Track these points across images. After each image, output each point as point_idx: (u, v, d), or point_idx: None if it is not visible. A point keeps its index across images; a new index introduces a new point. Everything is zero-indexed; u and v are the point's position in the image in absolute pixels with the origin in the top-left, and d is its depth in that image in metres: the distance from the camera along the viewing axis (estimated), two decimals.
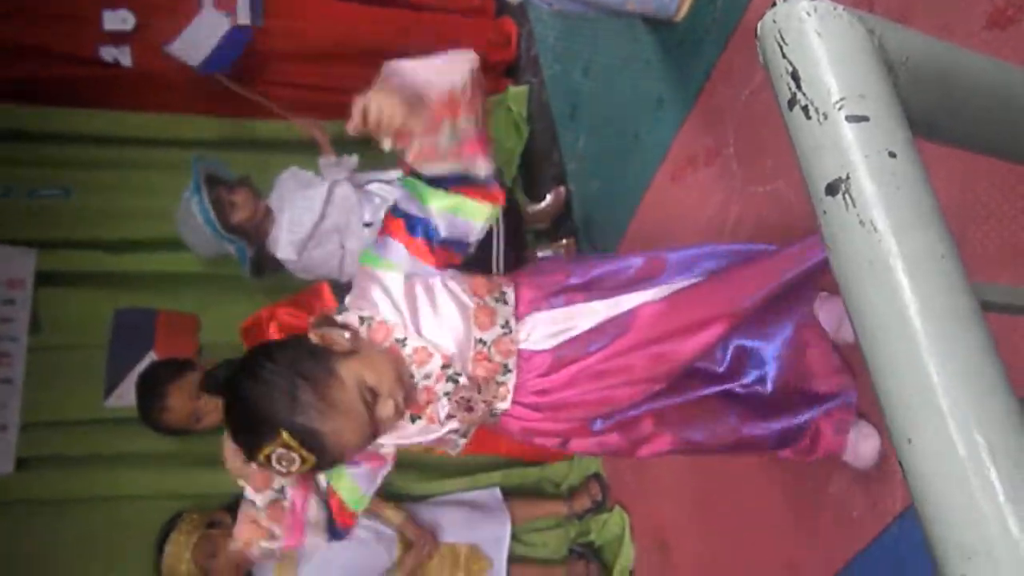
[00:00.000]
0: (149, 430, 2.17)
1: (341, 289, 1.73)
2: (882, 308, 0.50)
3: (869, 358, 0.51)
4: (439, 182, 1.21)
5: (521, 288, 1.33)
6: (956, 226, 1.37)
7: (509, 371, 1.26)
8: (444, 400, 1.23)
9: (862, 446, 1.57)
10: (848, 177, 0.52)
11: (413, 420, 1.24)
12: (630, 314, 1.30)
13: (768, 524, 1.98)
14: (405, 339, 1.20)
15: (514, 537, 2.49)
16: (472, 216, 1.23)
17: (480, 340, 1.24)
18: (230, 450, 1.48)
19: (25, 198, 2.48)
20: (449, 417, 1.25)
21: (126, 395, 2.33)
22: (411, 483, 2.53)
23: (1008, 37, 1.29)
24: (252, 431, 1.10)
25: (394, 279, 1.22)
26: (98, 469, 2.41)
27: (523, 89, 3.07)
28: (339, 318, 1.21)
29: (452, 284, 1.26)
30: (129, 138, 2.59)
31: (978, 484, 0.45)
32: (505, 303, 1.29)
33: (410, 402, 1.20)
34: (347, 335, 1.16)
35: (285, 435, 1.06)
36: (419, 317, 1.22)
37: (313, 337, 1.14)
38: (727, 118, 2.03)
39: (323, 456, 1.10)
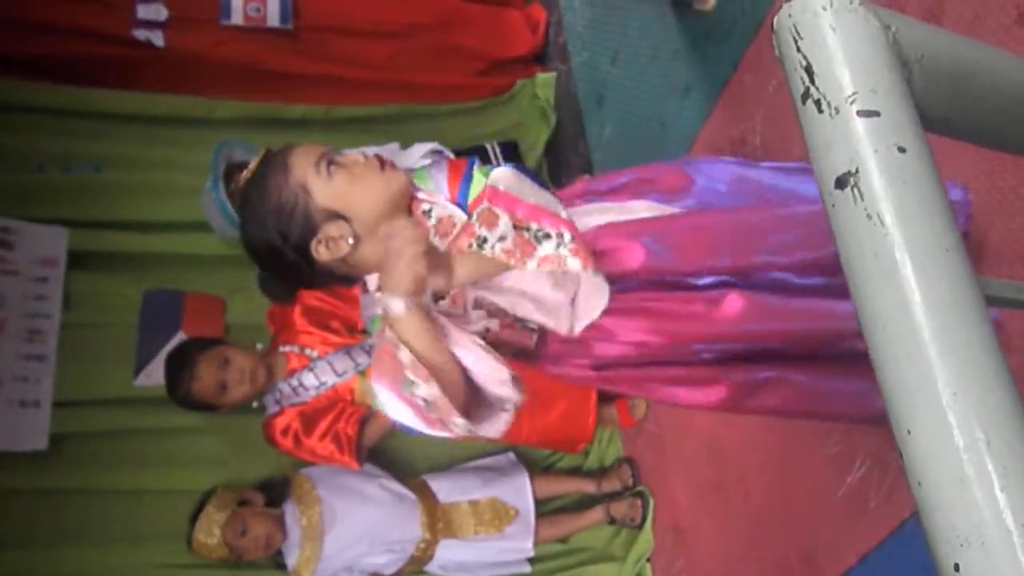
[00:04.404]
0: (177, 406, 2.21)
1: None
2: (886, 300, 0.51)
3: (873, 350, 0.52)
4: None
5: None
6: (985, 220, 1.37)
7: None
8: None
9: None
10: (857, 171, 0.52)
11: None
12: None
13: (784, 513, 1.98)
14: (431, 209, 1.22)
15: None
16: None
17: None
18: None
19: (58, 173, 2.51)
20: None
21: (155, 374, 2.37)
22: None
23: None
24: (295, 226, 1.13)
25: None
26: (128, 452, 2.44)
27: (550, 76, 3.06)
28: None
29: None
30: (159, 117, 2.63)
31: (974, 475, 0.46)
32: None
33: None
34: None
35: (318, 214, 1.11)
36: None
37: None
38: (754, 109, 2.02)
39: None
